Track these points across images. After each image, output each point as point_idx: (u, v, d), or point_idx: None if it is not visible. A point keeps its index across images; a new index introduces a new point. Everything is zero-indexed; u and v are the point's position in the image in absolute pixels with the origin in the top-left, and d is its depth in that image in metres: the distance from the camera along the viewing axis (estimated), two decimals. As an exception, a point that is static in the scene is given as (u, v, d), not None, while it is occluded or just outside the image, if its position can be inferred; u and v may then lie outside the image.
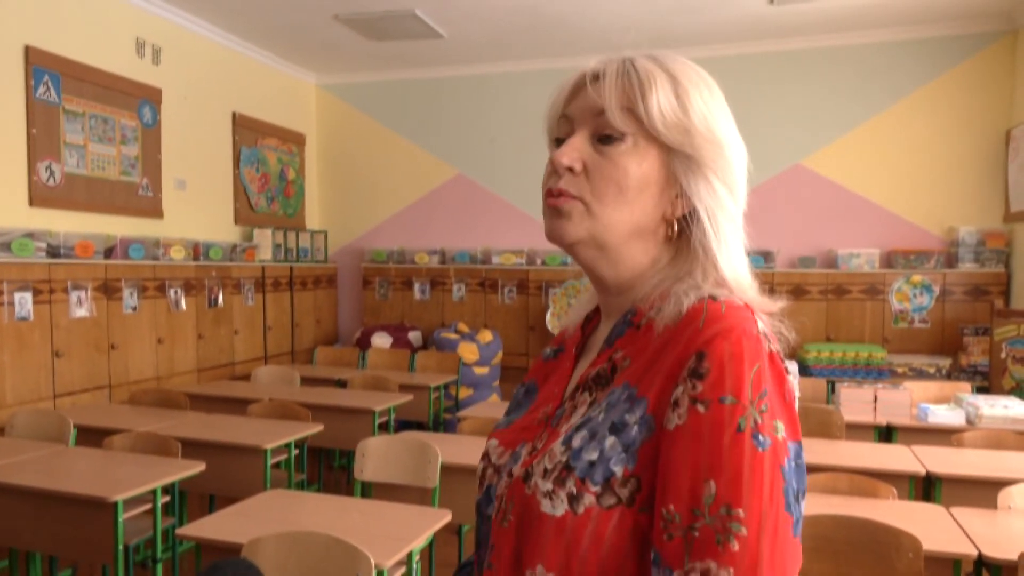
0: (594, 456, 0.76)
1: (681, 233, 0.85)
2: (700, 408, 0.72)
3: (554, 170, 0.84)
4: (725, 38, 5.88)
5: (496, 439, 0.93)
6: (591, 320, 0.98)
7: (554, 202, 0.84)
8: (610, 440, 0.77)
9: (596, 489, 0.75)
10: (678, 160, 0.82)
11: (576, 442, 0.78)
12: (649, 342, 0.81)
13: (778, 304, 0.83)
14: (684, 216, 0.84)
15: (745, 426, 0.71)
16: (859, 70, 5.80)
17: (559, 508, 0.76)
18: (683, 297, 0.80)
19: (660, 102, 0.81)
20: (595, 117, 0.83)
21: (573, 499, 0.76)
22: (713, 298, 0.79)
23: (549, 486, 0.77)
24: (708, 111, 0.83)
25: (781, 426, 0.73)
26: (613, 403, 0.79)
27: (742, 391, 0.72)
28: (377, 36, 5.86)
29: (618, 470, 0.75)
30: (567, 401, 0.88)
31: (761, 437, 0.71)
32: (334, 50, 6.36)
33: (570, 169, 0.83)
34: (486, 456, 0.93)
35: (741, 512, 0.69)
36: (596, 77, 0.85)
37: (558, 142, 0.87)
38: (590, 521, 0.75)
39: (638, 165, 0.82)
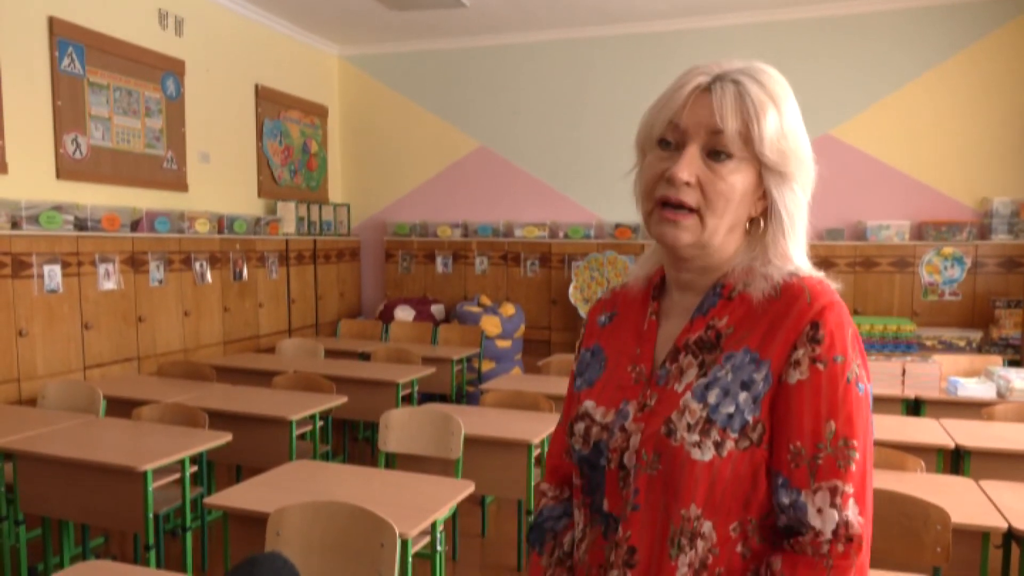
0: (731, 409, 0.95)
1: (756, 222, 1.03)
2: (820, 366, 0.94)
3: (669, 180, 0.97)
4: (752, 5, 5.74)
5: (591, 400, 1.09)
6: (655, 288, 1.13)
7: (673, 215, 0.98)
8: (743, 395, 0.96)
9: (735, 435, 0.95)
10: (772, 175, 0.99)
11: (712, 399, 0.96)
12: (750, 312, 0.99)
13: (835, 283, 1.01)
14: (765, 211, 1.02)
15: (852, 378, 0.94)
16: (889, 38, 5.65)
17: (707, 454, 0.94)
18: (768, 275, 0.99)
19: (769, 129, 0.96)
20: (710, 134, 0.96)
21: (718, 446, 0.94)
22: (798, 276, 0.99)
23: (696, 437, 0.95)
24: (798, 131, 0.99)
25: (866, 375, 0.96)
26: (738, 366, 0.97)
27: (847, 351, 0.94)
28: (399, 5, 5.80)
29: (750, 418, 0.95)
30: (669, 362, 1.03)
31: (861, 385, 0.95)
32: (356, 20, 6.31)
33: (688, 183, 0.96)
34: (587, 416, 1.07)
35: (855, 442, 0.93)
36: (706, 90, 0.97)
37: (663, 143, 1.00)
38: (731, 461, 0.95)
39: (742, 181, 0.98)
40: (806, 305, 0.95)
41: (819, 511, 0.92)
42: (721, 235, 1.00)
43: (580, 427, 1.08)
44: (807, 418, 0.93)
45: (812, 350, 0.94)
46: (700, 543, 0.96)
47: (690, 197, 0.97)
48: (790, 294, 0.97)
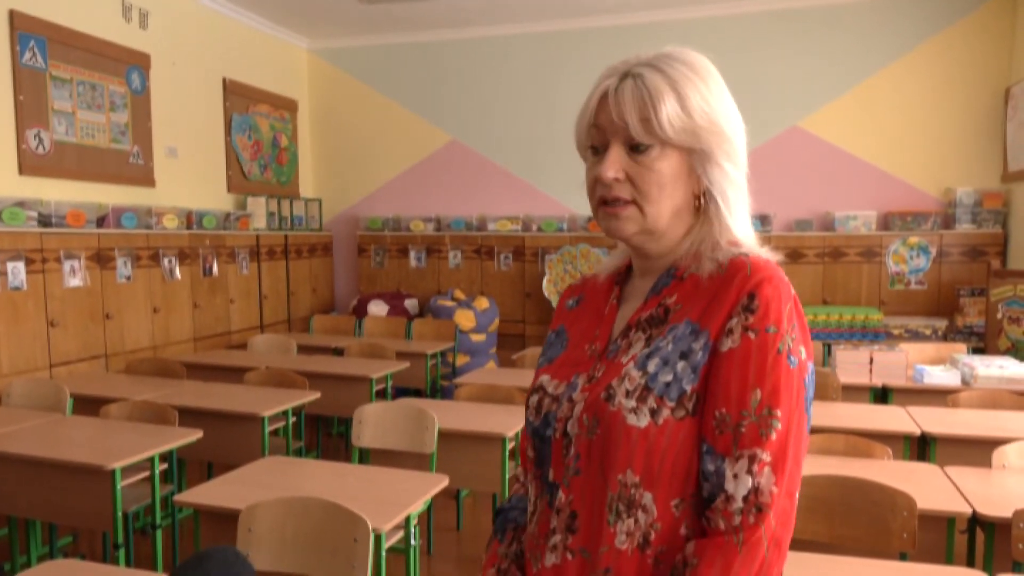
0: (669, 378, 0.97)
1: (703, 201, 1.05)
2: (751, 335, 0.95)
3: (602, 182, 1.02)
4: (722, -2, 5.79)
5: (547, 374, 1.12)
6: (620, 275, 1.17)
7: (612, 210, 1.03)
8: (681, 364, 0.98)
9: (671, 404, 0.96)
10: (694, 156, 1.01)
11: (651, 367, 0.99)
12: (697, 289, 1.02)
13: (777, 256, 1.03)
14: (705, 190, 1.04)
15: (783, 349, 0.95)
16: (856, 29, 5.72)
17: (643, 420, 0.96)
18: (715, 255, 1.01)
19: (668, 114, 0.98)
20: (623, 130, 1.00)
21: (654, 412, 0.96)
22: (745, 255, 1.00)
23: (633, 403, 0.97)
24: (708, 106, 1.00)
25: (803, 350, 0.97)
26: (679, 336, 0.99)
27: (781, 323, 0.95)
28: (368, -1, 5.76)
29: (688, 388, 0.97)
30: (620, 339, 1.07)
31: (792, 357, 0.95)
32: (325, 13, 6.25)
33: (616, 179, 1.01)
34: (540, 389, 1.11)
35: (779, 412, 0.94)
36: (615, 91, 1.01)
37: (593, 149, 1.05)
38: (667, 430, 0.96)
39: (670, 166, 1.01)
40: (745, 277, 0.97)
41: (735, 476, 0.93)
42: (666, 219, 1.03)
43: (534, 399, 1.11)
44: (734, 385, 0.95)
45: (745, 319, 0.95)
46: (641, 515, 0.97)
47: (623, 192, 1.02)
48: (733, 269, 0.99)
